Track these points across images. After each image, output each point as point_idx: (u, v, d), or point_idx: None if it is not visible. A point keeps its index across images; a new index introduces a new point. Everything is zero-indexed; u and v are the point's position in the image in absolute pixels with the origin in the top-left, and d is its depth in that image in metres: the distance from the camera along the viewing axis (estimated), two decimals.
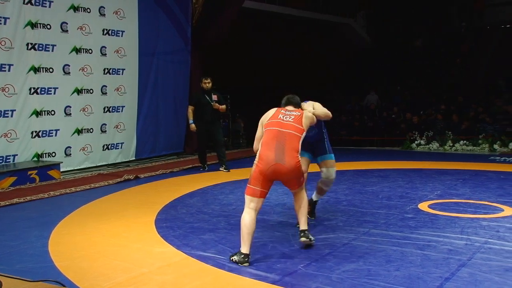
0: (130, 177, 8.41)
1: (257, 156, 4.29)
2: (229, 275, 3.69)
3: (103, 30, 9.65)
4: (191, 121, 9.17)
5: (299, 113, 4.41)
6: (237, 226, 5.05)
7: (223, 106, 9.25)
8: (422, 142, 12.75)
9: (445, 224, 5.03)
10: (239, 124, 14.56)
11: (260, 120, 4.56)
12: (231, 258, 4.01)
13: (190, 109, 9.19)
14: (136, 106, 10.45)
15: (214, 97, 9.14)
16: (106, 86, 9.78)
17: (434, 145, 12.68)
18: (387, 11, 20.00)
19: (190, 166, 9.76)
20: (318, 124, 4.90)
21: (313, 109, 4.68)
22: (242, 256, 3.95)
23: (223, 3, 11.93)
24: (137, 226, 5.23)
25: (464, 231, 4.74)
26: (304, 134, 4.33)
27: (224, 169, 9.31)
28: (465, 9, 20.08)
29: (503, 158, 10.78)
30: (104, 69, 9.74)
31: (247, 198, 4.23)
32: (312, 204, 5.37)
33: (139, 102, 10.48)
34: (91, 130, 9.58)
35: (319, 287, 3.40)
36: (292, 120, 4.31)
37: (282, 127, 4.28)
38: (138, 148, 10.57)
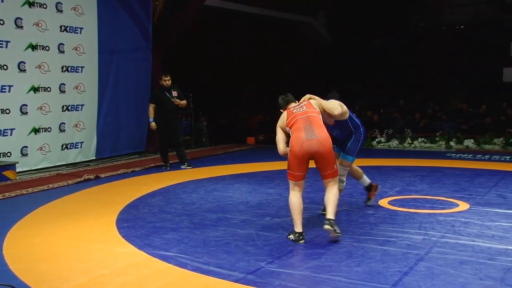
0: (90, 177, 8.26)
1: (289, 145, 4.59)
2: (191, 274, 3.68)
3: (61, 27, 9.41)
4: (151, 119, 9.14)
5: (306, 102, 4.79)
6: (199, 226, 5.06)
7: (184, 101, 9.27)
8: (382, 139, 13.02)
9: (404, 220, 5.16)
10: (201, 123, 14.51)
11: (278, 125, 4.86)
12: (289, 237, 4.44)
13: (151, 107, 9.14)
14: (96, 104, 10.25)
15: (174, 93, 9.16)
16: (64, 84, 9.55)
17: (394, 143, 12.98)
18: (347, 10, 20.28)
19: (152, 165, 9.66)
20: (341, 125, 5.14)
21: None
22: (297, 234, 4.38)
23: (184, 1, 11.85)
24: (98, 227, 5.15)
25: (422, 226, 4.88)
26: (320, 114, 4.66)
27: (187, 166, 9.30)
28: (422, 10, 20.60)
29: (458, 154, 11.14)
30: (62, 67, 9.51)
31: (290, 182, 4.58)
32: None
33: (99, 100, 10.28)
34: (49, 129, 9.34)
35: (282, 284, 3.44)
36: (306, 108, 4.67)
37: (303, 114, 4.61)
38: (99, 147, 10.38)
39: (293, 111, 4.69)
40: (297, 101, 4.90)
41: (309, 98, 4.90)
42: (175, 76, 9.54)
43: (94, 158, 10.31)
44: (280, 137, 4.80)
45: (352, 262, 3.86)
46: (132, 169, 9.19)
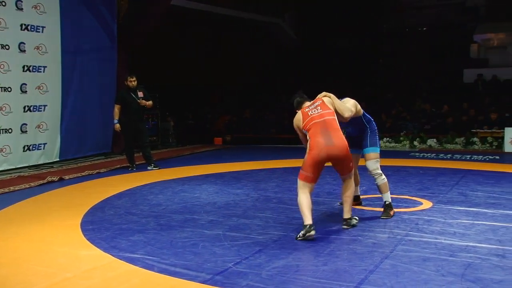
0: (53, 178, 8.07)
1: (308, 146, 4.70)
2: (158, 276, 3.64)
3: (21, 25, 9.17)
4: (115, 121, 9.05)
5: (320, 101, 4.85)
6: (166, 227, 5.02)
7: (150, 102, 9.20)
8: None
9: (370, 218, 5.24)
10: (168, 124, 14.39)
11: (295, 126, 4.97)
12: (298, 237, 4.46)
13: (116, 108, 9.04)
14: (60, 105, 10.03)
15: (140, 93, 9.09)
16: (26, 84, 9.30)
17: None
18: (314, 11, 20.49)
19: (118, 166, 9.53)
20: (355, 121, 5.21)
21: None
22: (308, 226, 4.42)
23: (150, 1, 11.73)
24: (62, 230, 5.03)
25: (387, 224, 4.96)
26: (335, 114, 4.76)
27: (154, 167, 9.22)
28: (385, 12, 21.00)
29: (422, 154, 11.40)
30: (24, 66, 9.26)
31: (300, 182, 4.69)
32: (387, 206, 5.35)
33: (62, 101, 10.06)
34: (9, 131, 9.07)
35: (249, 284, 3.44)
36: (320, 110, 4.76)
37: (319, 118, 4.71)
38: (63, 148, 10.15)
39: (309, 113, 4.77)
40: (310, 100, 4.97)
41: (324, 96, 4.98)
42: (141, 76, 9.45)
43: (58, 159, 10.08)
44: (302, 137, 4.95)
45: (319, 261, 3.89)
46: (97, 170, 9.04)
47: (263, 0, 19.16)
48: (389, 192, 5.36)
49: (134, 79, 9.04)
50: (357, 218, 5.04)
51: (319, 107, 4.78)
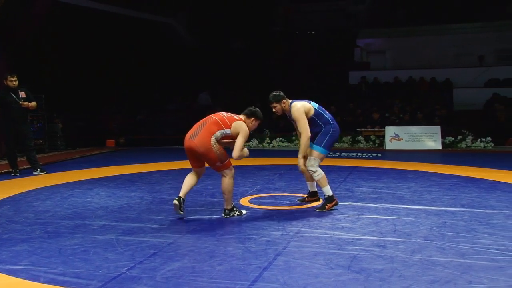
0: None
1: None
2: (45, 287, 3.43)
3: None
4: None
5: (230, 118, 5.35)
6: (54, 234, 4.74)
7: (33, 103, 8.65)
8: (251, 144, 13.35)
9: (264, 217, 5.35)
10: (56, 126, 13.59)
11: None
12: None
13: None
14: None
15: (22, 94, 8.52)
16: None
17: (254, 142, 13.41)
18: (206, 12, 20.53)
19: None
20: (310, 122, 5.52)
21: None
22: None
23: None
24: None
25: (281, 222, 5.09)
26: (222, 124, 5.23)
27: (40, 171, 8.68)
28: (276, 15, 21.64)
29: None
30: None
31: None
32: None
33: None
34: None
35: None
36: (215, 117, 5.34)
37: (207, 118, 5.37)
38: None
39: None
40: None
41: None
42: (28, 76, 8.86)
43: None
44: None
45: (214, 261, 3.89)
46: None
47: None
48: (328, 186, 5.60)
49: (15, 78, 8.45)
50: (242, 212, 5.45)
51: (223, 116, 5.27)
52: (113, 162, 10.54)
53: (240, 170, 8.61)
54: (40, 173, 8.67)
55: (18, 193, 6.92)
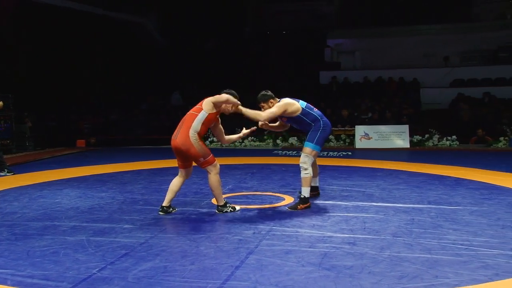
0: None
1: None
2: None
3: None
4: None
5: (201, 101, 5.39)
6: (22, 236, 4.63)
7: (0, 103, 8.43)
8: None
9: (236, 216, 5.34)
10: (25, 125, 13.26)
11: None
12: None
13: None
14: None
15: None
16: None
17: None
18: (179, 12, 20.41)
19: None
20: (294, 121, 5.74)
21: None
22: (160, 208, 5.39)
23: None
24: None
25: (253, 221, 5.10)
26: (201, 111, 5.26)
27: (7, 172, 8.48)
28: (249, 15, 21.65)
29: (284, 152, 11.92)
30: None
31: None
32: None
33: None
34: None
35: None
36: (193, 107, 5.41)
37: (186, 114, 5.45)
38: None
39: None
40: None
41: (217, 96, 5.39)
42: None
43: None
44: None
45: (186, 261, 3.87)
46: None
47: None
48: (309, 188, 5.64)
49: None
50: (235, 207, 5.54)
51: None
52: (84, 162, 10.37)
53: None
54: (8, 174, 8.46)
55: None
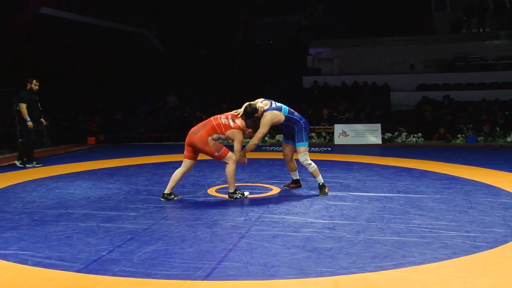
0: None
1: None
2: (32, 269, 3.34)
3: None
4: (28, 118, 8.56)
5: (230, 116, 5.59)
6: (40, 222, 4.61)
7: None
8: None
9: (229, 205, 5.35)
10: (42, 125, 13.06)
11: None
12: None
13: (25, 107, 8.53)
14: None
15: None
16: None
17: None
18: (176, 23, 20.36)
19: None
20: (282, 124, 5.67)
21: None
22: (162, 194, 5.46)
23: (15, 9, 10.59)
24: None
25: (244, 209, 5.11)
26: (221, 125, 5.40)
27: (36, 164, 8.85)
28: (236, 27, 21.70)
29: (271, 147, 11.93)
30: None
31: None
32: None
33: None
34: None
35: (122, 269, 3.31)
36: (223, 117, 5.54)
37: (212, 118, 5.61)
38: None
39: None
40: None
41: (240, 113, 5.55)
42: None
43: None
44: None
45: (185, 244, 3.88)
46: None
47: (130, 11, 18.56)
48: (320, 176, 5.73)
49: (38, 83, 8.76)
50: (243, 193, 5.62)
51: (228, 117, 5.45)
52: (93, 157, 10.30)
53: (208, 164, 8.55)
54: (36, 165, 8.75)
55: (7, 186, 6.69)
